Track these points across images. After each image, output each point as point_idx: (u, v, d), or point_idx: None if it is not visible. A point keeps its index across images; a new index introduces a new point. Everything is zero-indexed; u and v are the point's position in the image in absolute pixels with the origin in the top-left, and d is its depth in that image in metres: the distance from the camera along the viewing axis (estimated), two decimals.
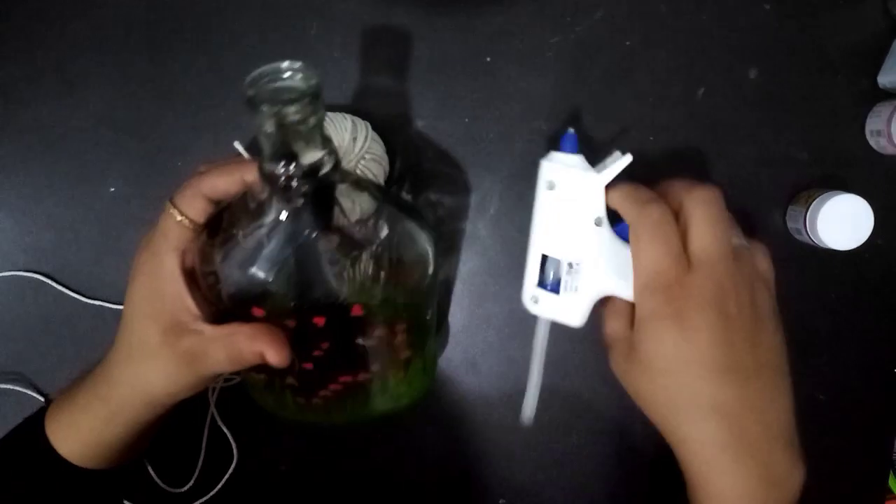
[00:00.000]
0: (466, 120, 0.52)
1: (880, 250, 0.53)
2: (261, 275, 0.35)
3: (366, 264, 0.36)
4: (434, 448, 0.54)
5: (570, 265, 0.43)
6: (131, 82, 0.52)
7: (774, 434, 0.35)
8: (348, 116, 0.47)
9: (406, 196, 0.53)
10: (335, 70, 0.52)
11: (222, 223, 0.37)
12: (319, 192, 0.33)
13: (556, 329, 0.54)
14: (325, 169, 0.33)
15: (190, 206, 0.36)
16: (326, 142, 0.33)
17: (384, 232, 0.37)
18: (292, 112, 0.30)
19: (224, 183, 0.36)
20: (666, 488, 0.55)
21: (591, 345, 0.53)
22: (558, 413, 0.54)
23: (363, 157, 0.47)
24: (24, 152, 0.52)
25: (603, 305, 0.41)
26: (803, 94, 0.53)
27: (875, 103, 0.52)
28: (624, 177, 0.51)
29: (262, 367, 0.37)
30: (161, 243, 0.37)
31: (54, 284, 0.52)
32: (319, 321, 0.36)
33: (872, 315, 0.54)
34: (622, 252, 0.43)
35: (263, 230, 0.34)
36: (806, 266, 0.53)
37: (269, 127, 0.30)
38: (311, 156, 0.32)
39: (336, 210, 0.35)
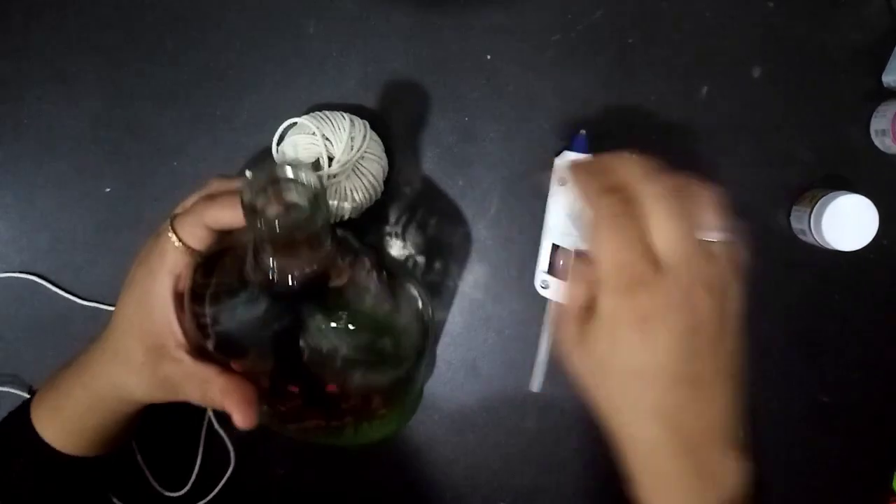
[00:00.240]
0: (466, 119, 0.52)
1: (885, 250, 0.53)
2: (242, 336, 0.35)
3: (345, 351, 0.35)
4: (434, 451, 0.54)
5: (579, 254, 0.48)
6: (128, 82, 0.51)
7: (716, 434, 0.35)
8: (347, 115, 0.47)
9: (407, 190, 0.52)
10: (334, 69, 0.51)
11: (218, 267, 0.36)
12: (309, 289, 0.32)
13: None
14: (321, 264, 0.32)
15: (190, 235, 0.36)
16: (327, 235, 0.32)
17: (366, 329, 0.35)
18: (293, 231, 0.28)
19: (228, 217, 0.35)
20: None
21: None
22: (559, 417, 0.53)
23: (361, 157, 0.46)
24: (20, 152, 0.51)
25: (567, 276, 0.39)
26: (807, 93, 0.52)
27: (879, 103, 0.52)
28: None
29: None
30: (157, 264, 0.37)
31: (49, 286, 0.51)
32: (293, 389, 0.36)
33: (877, 316, 0.54)
34: None
35: (252, 296, 0.33)
36: (810, 267, 0.53)
37: (266, 238, 0.29)
38: (309, 256, 0.31)
39: (323, 305, 0.34)
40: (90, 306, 0.51)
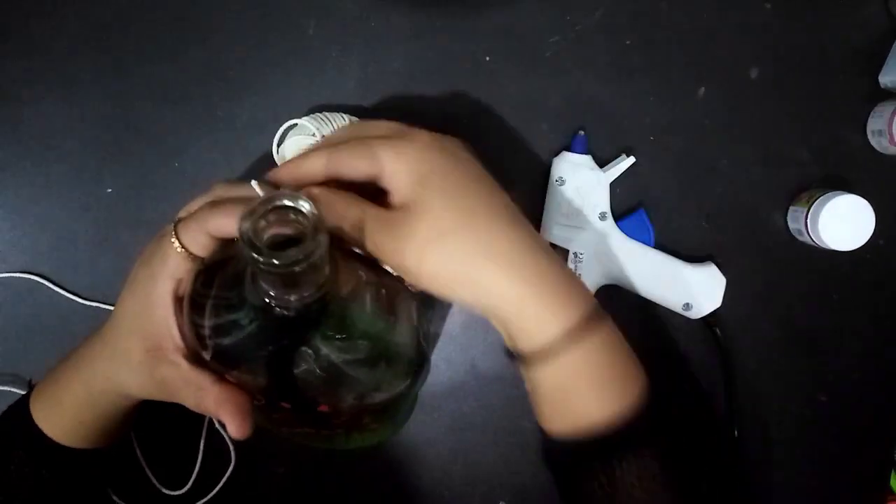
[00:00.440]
0: (466, 120, 0.52)
1: (881, 251, 0.53)
2: (237, 351, 0.35)
3: (340, 377, 0.35)
4: (433, 450, 0.54)
5: (576, 255, 0.49)
6: (129, 83, 0.51)
7: (553, 260, 0.36)
8: (347, 117, 0.47)
9: None
10: (335, 70, 0.51)
11: (218, 277, 0.36)
12: (306, 313, 0.32)
13: None
14: (319, 291, 0.31)
15: (192, 241, 0.36)
16: (320, 272, 0.31)
17: (362, 354, 0.35)
18: (292, 265, 0.28)
19: (231, 226, 0.35)
20: None
21: None
22: None
23: None
24: (21, 152, 0.51)
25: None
26: (804, 93, 0.52)
27: (876, 103, 0.52)
28: (627, 176, 0.51)
29: None
30: (159, 267, 0.37)
31: (50, 285, 0.51)
32: (285, 405, 0.37)
33: (873, 315, 0.54)
34: (624, 245, 0.50)
35: (249, 316, 0.33)
36: (807, 266, 0.53)
37: (269, 275, 0.29)
38: (308, 286, 0.31)
39: (320, 329, 0.34)
40: (91, 306, 0.52)
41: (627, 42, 0.52)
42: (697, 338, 0.53)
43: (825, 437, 0.54)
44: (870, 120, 0.52)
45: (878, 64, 0.52)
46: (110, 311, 0.51)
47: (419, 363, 0.38)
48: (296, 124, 0.46)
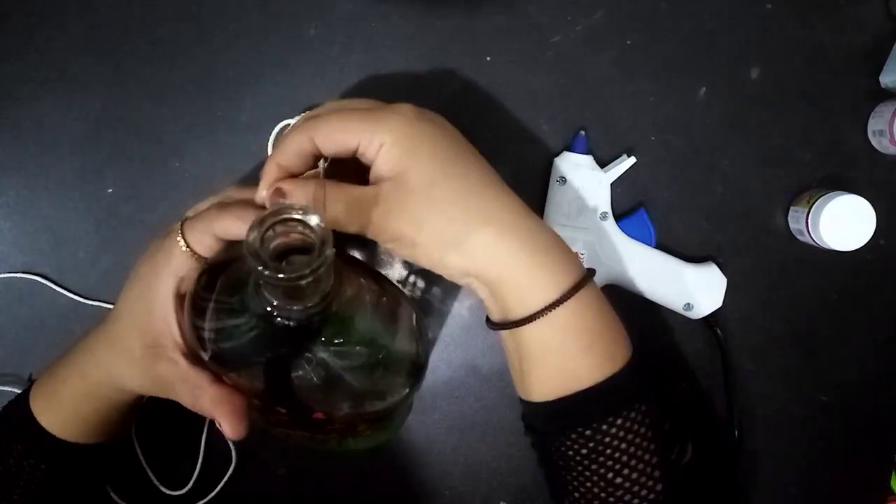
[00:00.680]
0: (466, 121, 0.52)
1: (882, 250, 0.53)
2: (236, 356, 0.35)
3: (337, 386, 0.35)
4: (434, 450, 0.54)
5: (577, 254, 0.47)
6: (129, 83, 0.51)
7: (540, 227, 0.37)
8: None
9: None
10: (335, 71, 0.51)
11: (221, 280, 0.36)
12: (308, 324, 0.32)
13: None
14: (316, 310, 0.31)
15: (198, 241, 0.37)
16: (324, 284, 0.31)
17: (360, 362, 0.35)
18: (298, 281, 0.27)
19: (238, 229, 0.35)
20: None
21: None
22: None
23: None
24: (22, 153, 0.51)
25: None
26: (805, 93, 0.52)
27: (877, 103, 0.52)
28: (628, 176, 0.51)
29: None
30: (163, 264, 0.37)
31: (51, 285, 0.51)
32: (281, 410, 0.37)
33: (874, 316, 0.54)
34: (625, 245, 0.50)
35: (250, 323, 0.33)
36: (808, 267, 0.53)
37: (269, 281, 0.28)
38: (309, 297, 0.30)
39: (320, 339, 0.34)
40: (92, 305, 0.52)
41: (628, 42, 0.52)
42: (698, 338, 0.53)
43: (825, 437, 0.54)
44: (870, 120, 0.52)
45: (879, 64, 0.52)
46: (111, 309, 0.52)
47: (417, 372, 0.38)
48: (290, 125, 0.46)
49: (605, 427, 0.34)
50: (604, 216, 0.49)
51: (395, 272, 0.53)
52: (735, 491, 0.53)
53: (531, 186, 0.52)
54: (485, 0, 0.51)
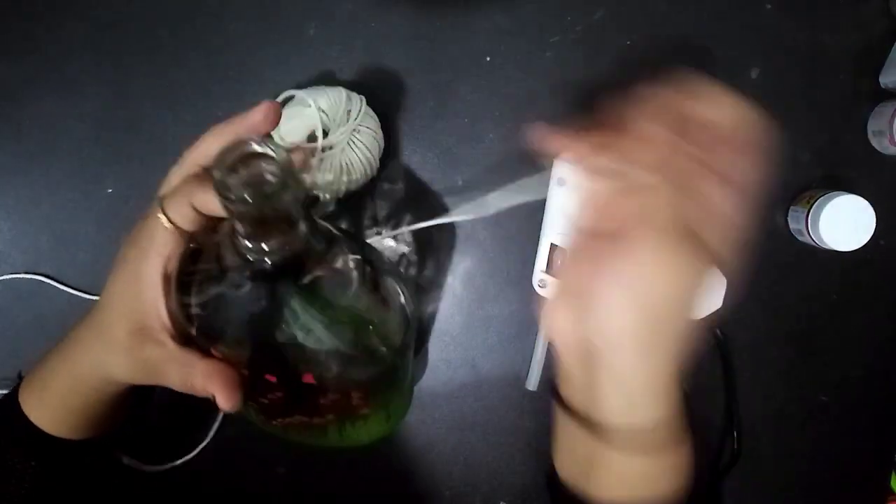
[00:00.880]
0: (466, 121, 0.52)
1: (882, 250, 0.53)
2: (221, 322, 0.35)
3: (320, 340, 0.35)
4: (434, 450, 0.54)
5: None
6: (129, 83, 0.51)
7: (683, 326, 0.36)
8: (343, 90, 0.47)
9: (398, 188, 0.52)
10: (335, 71, 0.51)
11: (202, 254, 0.36)
12: (290, 264, 0.32)
13: None
14: (297, 243, 0.32)
15: (179, 216, 0.36)
16: (299, 214, 0.31)
17: (343, 316, 0.35)
18: (263, 203, 0.28)
19: (215, 203, 0.35)
20: None
21: None
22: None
23: (357, 130, 0.47)
24: (22, 153, 0.51)
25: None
26: (805, 94, 0.52)
27: (877, 103, 0.52)
28: None
29: None
30: (147, 245, 0.37)
31: (52, 283, 0.51)
32: (271, 378, 0.36)
33: (874, 316, 0.54)
34: None
35: (231, 282, 0.34)
36: (808, 267, 0.53)
37: (241, 208, 0.29)
38: (282, 233, 0.31)
39: (300, 292, 0.34)
40: (95, 301, 0.52)
41: (628, 42, 0.52)
42: (697, 338, 0.53)
43: (825, 437, 0.54)
44: (870, 120, 0.52)
45: (879, 64, 0.52)
46: (99, 297, 0.52)
47: (405, 336, 0.37)
48: (293, 96, 0.47)
49: None
50: None
51: (389, 252, 0.53)
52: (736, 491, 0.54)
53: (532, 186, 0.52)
54: (485, 0, 0.51)
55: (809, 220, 0.49)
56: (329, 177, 0.47)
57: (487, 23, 0.51)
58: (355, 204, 0.52)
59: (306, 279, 0.33)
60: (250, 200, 0.28)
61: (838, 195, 0.48)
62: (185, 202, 0.36)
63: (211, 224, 0.37)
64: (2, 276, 0.52)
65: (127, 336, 0.37)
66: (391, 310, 0.37)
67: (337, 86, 0.48)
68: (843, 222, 0.48)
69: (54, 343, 0.52)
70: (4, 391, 0.51)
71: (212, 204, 0.35)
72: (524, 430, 0.53)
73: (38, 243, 0.52)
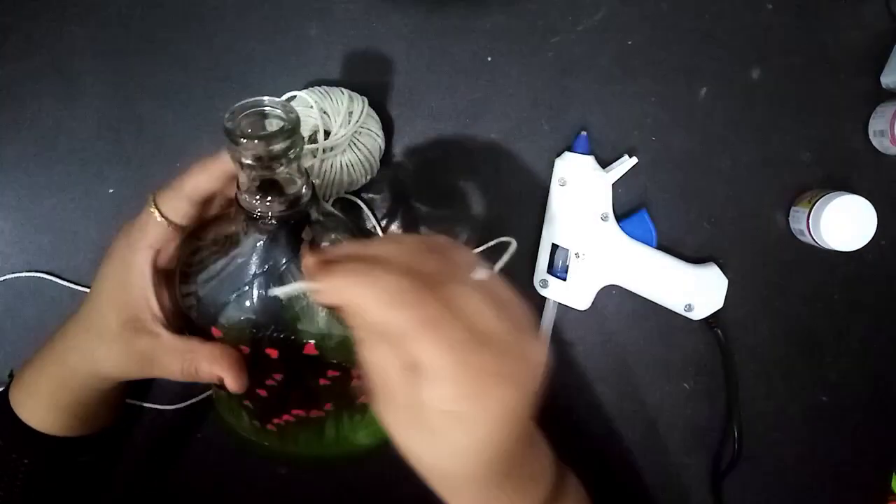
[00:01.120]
0: (467, 121, 0.52)
1: (883, 251, 0.53)
2: (225, 298, 0.35)
3: (320, 309, 0.35)
4: None
5: (578, 255, 0.50)
6: (130, 83, 0.51)
7: (529, 452, 0.35)
8: (345, 91, 0.47)
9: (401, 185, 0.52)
10: (336, 71, 0.51)
11: (201, 241, 0.37)
12: (293, 224, 0.33)
13: (557, 330, 0.54)
14: (301, 203, 0.33)
15: (171, 209, 0.37)
16: (303, 175, 0.33)
17: None
18: (271, 146, 0.29)
19: (205, 181, 0.36)
20: (665, 485, 0.55)
21: (589, 347, 0.53)
22: (556, 415, 0.53)
23: (358, 132, 0.47)
24: (23, 153, 0.51)
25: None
26: (806, 94, 0.52)
27: (878, 103, 0.52)
28: (629, 177, 0.51)
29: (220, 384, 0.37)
30: (138, 238, 0.37)
31: (54, 279, 0.51)
32: (272, 353, 0.36)
33: (875, 315, 0.54)
34: (626, 246, 0.50)
35: (235, 255, 0.34)
36: (809, 267, 0.53)
37: (248, 159, 0.30)
38: (287, 189, 0.32)
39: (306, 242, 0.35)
40: None
41: (629, 42, 0.52)
42: (699, 339, 0.53)
43: (825, 437, 0.54)
44: (871, 120, 0.52)
45: (880, 64, 0.52)
46: (87, 292, 0.51)
47: None
48: (295, 97, 0.47)
49: None
50: (605, 217, 0.49)
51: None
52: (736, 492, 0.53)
53: (532, 187, 0.52)
54: (485, 0, 0.51)
55: (810, 221, 0.49)
56: (329, 177, 0.47)
57: (488, 24, 0.51)
58: (354, 204, 0.52)
59: (307, 243, 0.34)
60: (256, 142, 0.29)
61: (839, 195, 0.49)
62: (177, 195, 0.36)
63: (202, 220, 0.38)
64: (2, 275, 0.51)
65: (118, 328, 0.37)
66: None
67: (338, 86, 0.48)
68: (845, 222, 0.48)
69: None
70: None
71: (202, 184, 0.36)
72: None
73: (38, 243, 0.52)
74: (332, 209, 0.39)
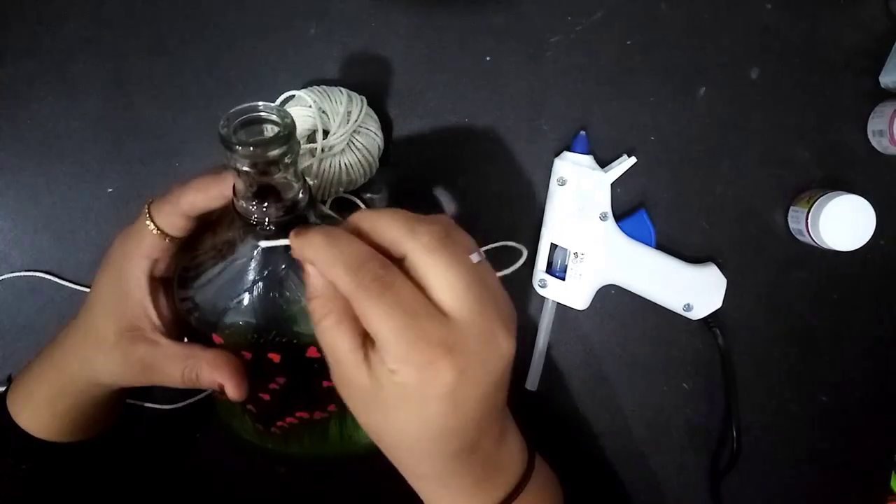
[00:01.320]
0: (466, 120, 0.52)
1: (882, 250, 0.53)
2: (225, 303, 0.35)
3: None
4: None
5: (577, 254, 0.50)
6: (130, 83, 0.51)
7: (496, 438, 0.35)
8: (344, 90, 0.47)
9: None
10: (335, 71, 0.51)
11: (199, 247, 0.37)
12: (290, 229, 0.33)
13: (556, 330, 0.54)
14: (298, 207, 0.33)
15: (167, 222, 0.37)
16: (300, 179, 0.33)
17: None
18: (267, 152, 0.29)
19: (202, 201, 0.36)
20: (664, 486, 0.55)
21: (588, 347, 0.53)
22: (556, 415, 0.53)
23: (357, 131, 0.47)
24: (23, 153, 0.51)
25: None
26: (805, 94, 0.52)
27: (877, 103, 0.52)
28: (628, 176, 0.51)
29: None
30: (134, 247, 0.37)
31: (53, 279, 0.51)
32: (274, 357, 0.37)
33: (874, 315, 0.54)
34: (625, 245, 0.50)
35: (234, 260, 0.34)
36: (808, 267, 0.53)
37: (244, 166, 0.30)
38: (284, 194, 0.32)
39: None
40: None
41: (628, 42, 0.52)
42: (698, 339, 0.53)
43: (825, 437, 0.54)
44: (870, 120, 0.52)
45: (879, 64, 0.52)
46: (85, 299, 0.51)
47: None
48: (293, 96, 0.47)
49: None
50: (604, 216, 0.50)
51: None
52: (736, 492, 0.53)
53: (531, 186, 0.52)
54: (485, 0, 0.51)
55: (809, 220, 0.49)
56: (328, 177, 0.47)
57: (487, 24, 0.51)
58: (353, 204, 0.52)
59: None
60: (252, 149, 0.29)
61: (838, 195, 0.49)
62: (172, 210, 0.36)
63: (196, 231, 0.38)
64: (2, 275, 0.52)
65: (115, 336, 0.37)
66: None
67: (337, 86, 0.48)
68: (844, 222, 0.48)
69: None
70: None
71: (199, 202, 0.36)
72: (524, 430, 0.53)
73: (38, 243, 0.52)
74: (329, 212, 0.39)
